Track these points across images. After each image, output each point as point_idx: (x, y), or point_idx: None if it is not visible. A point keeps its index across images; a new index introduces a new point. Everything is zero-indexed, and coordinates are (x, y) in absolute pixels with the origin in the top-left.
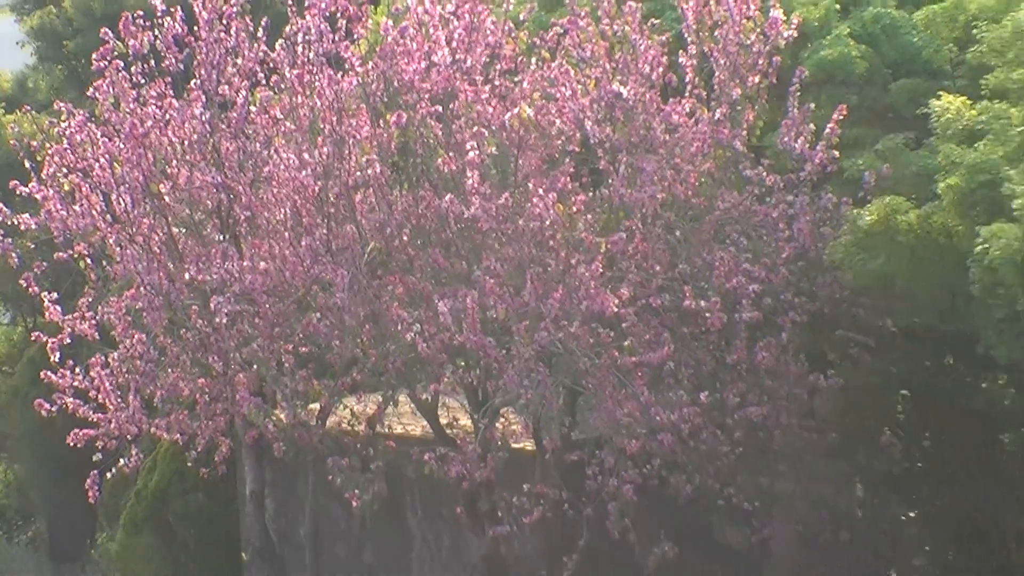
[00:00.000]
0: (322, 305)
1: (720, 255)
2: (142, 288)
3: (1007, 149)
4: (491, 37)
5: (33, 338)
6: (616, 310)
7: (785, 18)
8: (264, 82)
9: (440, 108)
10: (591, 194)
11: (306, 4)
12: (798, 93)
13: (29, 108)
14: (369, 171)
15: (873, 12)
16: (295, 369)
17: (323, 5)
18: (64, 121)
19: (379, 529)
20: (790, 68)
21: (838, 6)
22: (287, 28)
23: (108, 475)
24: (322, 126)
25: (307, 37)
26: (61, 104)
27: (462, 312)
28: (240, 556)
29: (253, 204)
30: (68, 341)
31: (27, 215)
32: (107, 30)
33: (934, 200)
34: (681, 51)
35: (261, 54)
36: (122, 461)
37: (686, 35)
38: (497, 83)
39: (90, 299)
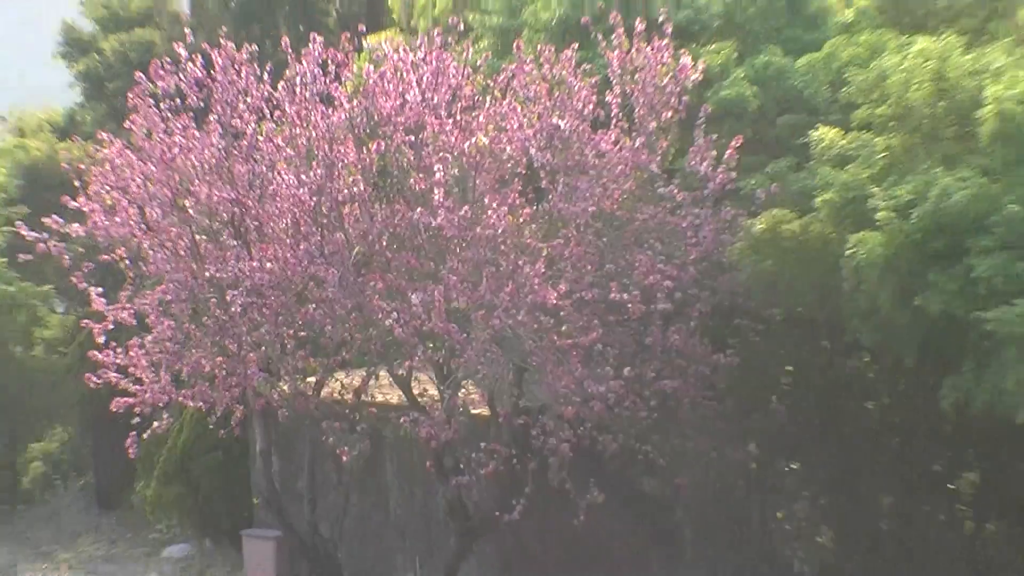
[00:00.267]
0: (317, 298)
1: (639, 257)
2: (170, 284)
3: (872, 171)
4: (453, 80)
5: (82, 325)
6: (555, 302)
7: (692, 64)
8: (269, 116)
9: (412, 137)
10: (535, 208)
11: (303, 53)
12: (703, 125)
13: (77, 138)
14: (355, 189)
15: (763, 59)
16: (295, 350)
17: (316, 53)
18: (106, 148)
19: (363, 480)
20: (696, 105)
21: (735, 54)
22: (287, 72)
23: (144, 435)
24: (316, 152)
25: (304, 80)
26: (103, 134)
27: (431, 303)
28: (252, 502)
29: (260, 216)
30: (111, 327)
31: (76, 225)
32: (140, 74)
33: (813, 213)
34: (608, 91)
35: (266, 93)
36: (155, 424)
37: (612, 78)
38: (458, 117)
39: (128, 293)
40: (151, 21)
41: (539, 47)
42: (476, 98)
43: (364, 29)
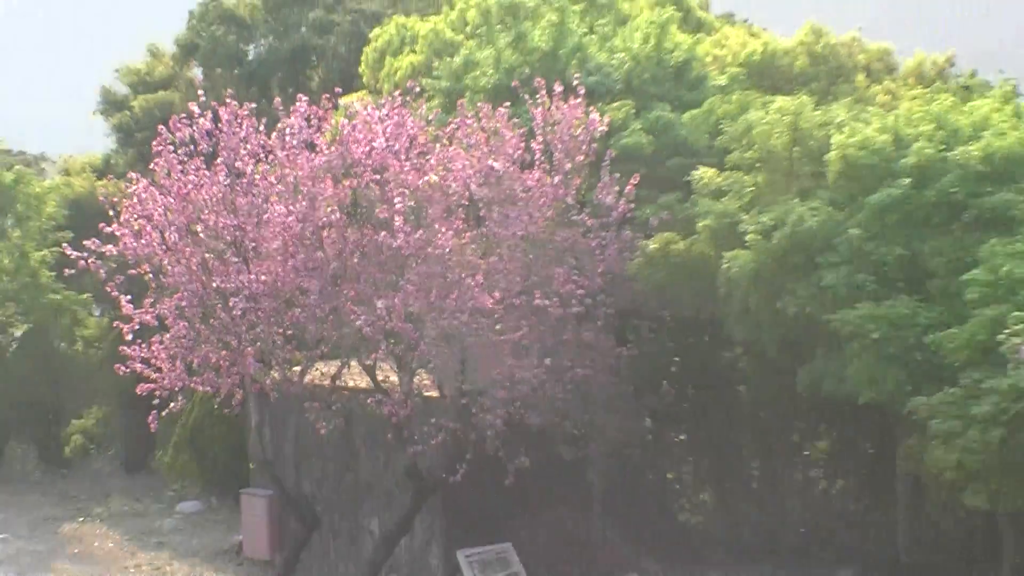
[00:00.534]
0: (301, 303)
1: (558, 271)
2: (185, 292)
3: (742, 202)
4: (411, 131)
5: (114, 325)
6: (491, 306)
7: (600, 118)
8: (264, 159)
9: (378, 176)
10: (475, 232)
11: (291, 109)
12: (608, 166)
13: (112, 177)
14: (332, 217)
15: (656, 114)
16: (284, 345)
17: (302, 110)
18: (134, 185)
19: (338, 449)
20: (603, 151)
21: (634, 110)
22: (279, 124)
23: (163, 413)
24: (301, 188)
25: (292, 131)
26: (133, 174)
27: (392, 308)
28: (249, 466)
29: (257, 238)
30: (137, 327)
31: (110, 245)
32: (162, 126)
33: (695, 235)
34: (533, 139)
35: (262, 141)
36: (172, 404)
37: (536, 129)
38: (414, 160)
39: (151, 300)
40: (172, 85)
41: (478, 105)
42: (428, 145)
43: (340, 91)
